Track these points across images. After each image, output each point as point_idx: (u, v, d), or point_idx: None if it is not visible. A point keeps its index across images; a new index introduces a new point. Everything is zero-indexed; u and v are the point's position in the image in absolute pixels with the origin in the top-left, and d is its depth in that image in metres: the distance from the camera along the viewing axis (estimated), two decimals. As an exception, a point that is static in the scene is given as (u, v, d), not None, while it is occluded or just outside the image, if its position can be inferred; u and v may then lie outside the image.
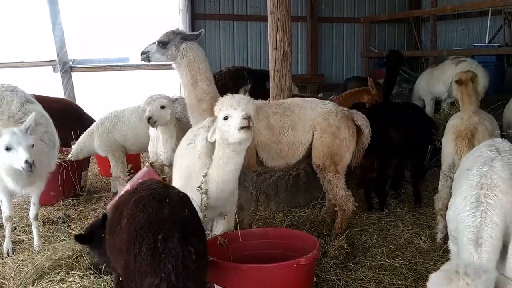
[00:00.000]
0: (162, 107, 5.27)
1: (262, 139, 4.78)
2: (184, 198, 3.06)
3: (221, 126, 3.56)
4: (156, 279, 2.68)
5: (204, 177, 3.65)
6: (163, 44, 4.85)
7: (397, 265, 4.39)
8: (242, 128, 3.43)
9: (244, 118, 3.42)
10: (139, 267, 2.70)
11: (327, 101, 5.18)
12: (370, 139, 5.00)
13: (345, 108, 5.13)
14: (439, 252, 4.63)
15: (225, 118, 3.53)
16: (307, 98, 5.29)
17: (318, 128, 4.82)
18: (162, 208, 2.82)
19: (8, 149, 4.23)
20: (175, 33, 4.88)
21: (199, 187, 3.63)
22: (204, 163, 3.77)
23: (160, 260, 2.68)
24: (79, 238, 4.10)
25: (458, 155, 4.39)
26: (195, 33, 4.97)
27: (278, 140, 4.80)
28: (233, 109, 3.50)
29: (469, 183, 3.20)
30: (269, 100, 5.32)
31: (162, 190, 3.03)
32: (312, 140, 4.86)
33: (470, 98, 4.91)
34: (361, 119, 4.97)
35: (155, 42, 4.95)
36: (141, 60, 5.12)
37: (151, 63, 5.31)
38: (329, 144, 4.77)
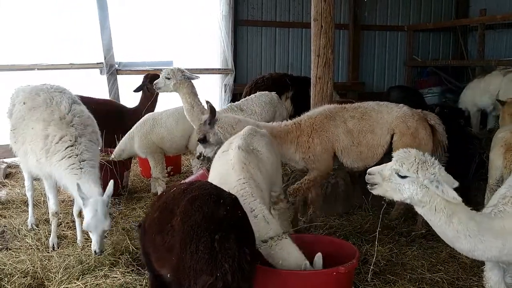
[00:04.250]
0: (167, 78, 5.90)
1: (342, 144, 5.04)
2: (236, 200, 3.10)
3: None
4: (211, 278, 2.73)
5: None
6: (203, 140, 4.97)
7: (438, 279, 4.28)
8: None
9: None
10: (195, 265, 2.75)
11: (401, 104, 5.33)
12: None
13: (419, 110, 5.32)
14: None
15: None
16: (381, 102, 5.38)
17: (397, 130, 5.04)
18: (217, 208, 2.87)
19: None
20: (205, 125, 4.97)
21: None
22: (239, 176, 3.68)
23: (217, 260, 2.73)
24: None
25: (507, 169, 4.27)
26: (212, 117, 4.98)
27: (358, 142, 5.07)
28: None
29: (495, 194, 3.30)
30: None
31: (215, 191, 3.09)
32: (390, 143, 5.06)
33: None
34: (434, 119, 5.25)
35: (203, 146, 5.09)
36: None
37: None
38: (409, 145, 4.82)
